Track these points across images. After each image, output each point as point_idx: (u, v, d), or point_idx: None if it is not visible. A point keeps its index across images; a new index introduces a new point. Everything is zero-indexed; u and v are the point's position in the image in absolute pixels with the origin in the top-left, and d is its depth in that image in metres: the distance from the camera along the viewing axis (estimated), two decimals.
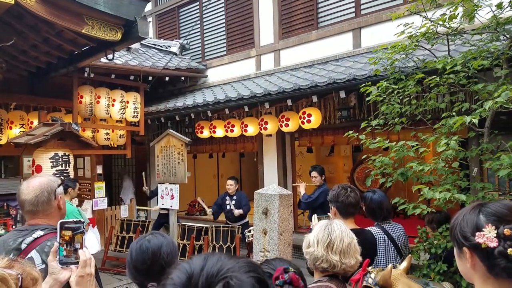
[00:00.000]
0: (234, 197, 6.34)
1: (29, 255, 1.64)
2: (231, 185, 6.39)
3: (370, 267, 1.96)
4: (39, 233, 1.69)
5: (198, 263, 0.73)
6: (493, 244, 0.99)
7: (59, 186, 1.83)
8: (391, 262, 2.68)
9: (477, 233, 1.02)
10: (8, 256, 1.58)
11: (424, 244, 3.39)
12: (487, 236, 1.00)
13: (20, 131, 6.52)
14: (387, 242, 2.79)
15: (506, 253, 0.97)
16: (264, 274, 0.77)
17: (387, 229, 2.85)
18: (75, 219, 1.45)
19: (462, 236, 1.07)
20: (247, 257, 0.78)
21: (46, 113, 6.31)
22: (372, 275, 1.85)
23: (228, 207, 6.35)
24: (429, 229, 3.52)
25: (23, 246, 1.66)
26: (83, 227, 1.45)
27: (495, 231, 0.99)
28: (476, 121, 2.68)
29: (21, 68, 6.18)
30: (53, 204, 1.80)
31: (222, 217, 6.83)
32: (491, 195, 3.08)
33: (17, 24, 4.59)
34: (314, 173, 5.58)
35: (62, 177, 5.29)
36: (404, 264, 2.03)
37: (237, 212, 6.19)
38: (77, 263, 1.39)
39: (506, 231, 0.98)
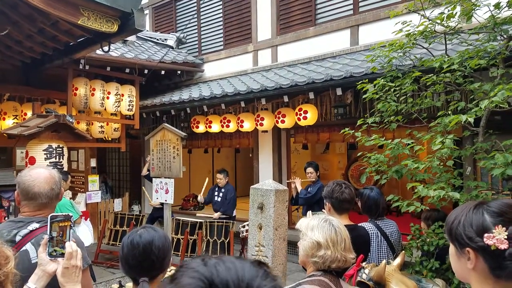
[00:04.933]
0: (223, 190, 6.40)
1: (24, 248, 1.63)
2: (220, 179, 6.45)
3: (364, 263, 1.97)
4: (34, 225, 1.68)
5: (223, 275, 0.61)
6: (504, 246, 0.96)
7: (67, 179, 1.87)
8: (383, 258, 2.69)
9: (485, 235, 0.99)
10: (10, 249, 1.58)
11: (417, 241, 3.41)
12: (498, 238, 0.97)
13: (14, 122, 6.46)
14: (380, 238, 2.81)
15: None
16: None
17: (380, 225, 2.87)
18: (64, 213, 1.50)
19: (467, 237, 1.04)
20: (257, 261, 0.67)
21: (40, 105, 6.25)
22: (366, 271, 1.86)
23: (215, 198, 6.44)
24: (424, 225, 3.55)
25: (18, 238, 1.64)
26: (72, 221, 1.49)
27: (506, 233, 0.97)
28: (471, 120, 2.70)
29: (15, 59, 6.12)
30: (59, 197, 1.82)
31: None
32: (485, 194, 3.10)
33: (12, 14, 4.53)
34: (309, 169, 5.62)
35: (65, 170, 5.28)
36: (398, 260, 2.04)
37: (216, 215, 6.29)
38: (64, 255, 1.43)
39: None
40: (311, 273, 1.68)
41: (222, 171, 6.59)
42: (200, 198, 6.59)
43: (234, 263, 0.64)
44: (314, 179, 5.58)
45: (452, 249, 1.13)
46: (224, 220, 6.10)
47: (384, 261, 1.89)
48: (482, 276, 1.03)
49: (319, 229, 1.66)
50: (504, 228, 0.98)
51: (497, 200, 1.07)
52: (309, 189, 5.55)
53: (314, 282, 1.60)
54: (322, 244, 1.62)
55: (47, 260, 1.42)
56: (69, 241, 1.45)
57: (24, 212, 1.75)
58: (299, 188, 5.56)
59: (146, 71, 7.76)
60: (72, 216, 1.51)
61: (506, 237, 0.97)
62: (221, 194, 6.40)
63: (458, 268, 1.12)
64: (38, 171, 1.79)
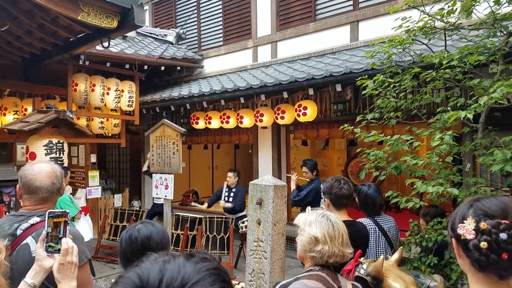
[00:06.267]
0: (233, 190, 6.38)
1: (24, 241, 1.64)
2: (229, 177, 6.45)
3: (362, 258, 1.98)
4: (35, 219, 1.69)
5: (153, 276, 0.62)
6: (470, 236, 1.02)
7: (66, 175, 1.87)
8: (381, 254, 2.71)
9: (459, 225, 1.06)
10: (3, 241, 1.59)
11: (416, 237, 3.43)
12: (466, 228, 1.03)
13: (14, 118, 6.46)
14: (378, 233, 2.82)
15: (479, 246, 1.00)
16: (229, 279, 0.69)
17: (378, 221, 2.88)
18: (61, 210, 1.51)
19: (451, 227, 1.12)
20: (206, 258, 0.67)
21: (40, 100, 6.24)
22: (364, 266, 1.87)
23: (226, 198, 6.41)
24: (423, 221, 3.56)
25: (19, 232, 1.65)
26: (69, 218, 1.50)
27: (474, 224, 1.03)
28: (470, 116, 2.70)
29: (15, 54, 6.11)
30: (60, 192, 1.83)
31: (217, 208, 6.87)
32: (484, 190, 3.11)
33: (12, 9, 4.53)
34: (304, 169, 5.48)
35: (65, 165, 5.28)
36: (396, 255, 2.05)
37: (227, 205, 6.27)
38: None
39: (483, 225, 1.01)
40: (309, 268, 1.70)
41: (234, 170, 6.61)
42: (205, 206, 6.58)
43: (178, 264, 0.64)
44: (309, 179, 5.44)
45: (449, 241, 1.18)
46: (224, 216, 6.11)
47: (382, 256, 1.90)
48: (472, 267, 1.06)
49: (317, 224, 1.67)
50: (474, 220, 1.03)
51: (494, 197, 1.10)
52: (309, 186, 5.46)
53: (312, 277, 1.61)
54: (319, 239, 1.63)
55: (44, 255, 1.43)
56: (65, 237, 1.45)
57: (25, 206, 1.77)
58: (292, 187, 5.43)
59: (146, 67, 7.75)
60: (69, 212, 1.51)
61: (474, 228, 1.02)
62: (231, 194, 6.38)
63: (458, 260, 1.16)
64: (40, 165, 1.80)
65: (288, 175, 6.04)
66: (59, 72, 6.71)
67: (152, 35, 8.96)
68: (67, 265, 1.41)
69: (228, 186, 6.48)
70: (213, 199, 6.69)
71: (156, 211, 6.95)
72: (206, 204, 6.58)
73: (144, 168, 7.02)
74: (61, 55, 5.94)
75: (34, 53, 6.11)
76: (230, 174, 6.50)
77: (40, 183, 1.73)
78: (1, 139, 6.58)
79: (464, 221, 1.05)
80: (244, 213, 6.42)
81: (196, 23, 8.84)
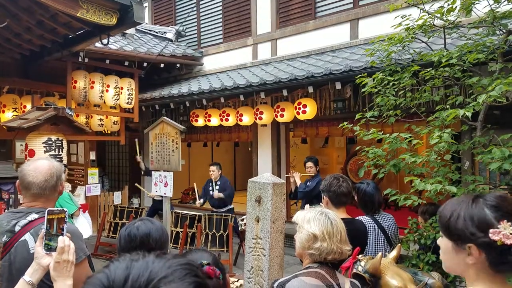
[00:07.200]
0: (218, 183, 6.37)
1: (22, 238, 1.65)
2: (213, 171, 6.40)
3: (360, 255, 1.99)
4: (33, 216, 1.69)
5: (119, 274, 0.61)
6: (510, 241, 0.96)
7: (64, 172, 1.85)
8: (380, 251, 2.71)
9: (491, 230, 0.99)
10: (1, 238, 1.59)
11: (414, 235, 3.44)
12: (504, 233, 0.97)
13: (13, 115, 6.46)
14: (377, 231, 2.83)
15: None
16: (203, 274, 0.66)
17: (377, 219, 2.89)
18: (59, 208, 1.51)
19: (470, 233, 1.03)
20: (178, 255, 0.66)
21: (39, 97, 6.25)
22: (362, 263, 1.88)
23: (211, 192, 6.39)
24: (421, 219, 3.57)
25: (17, 228, 1.66)
26: (66, 216, 1.50)
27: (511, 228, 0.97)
28: (469, 114, 2.70)
29: (14, 51, 6.10)
30: (57, 190, 1.82)
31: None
32: (482, 188, 3.12)
33: (11, 6, 4.52)
34: (309, 164, 5.61)
35: (65, 163, 5.28)
36: (394, 253, 2.06)
37: (216, 194, 6.22)
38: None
39: None
40: (307, 265, 1.70)
41: (215, 163, 6.58)
42: (198, 203, 6.56)
43: (146, 261, 0.63)
44: (313, 174, 5.57)
45: (447, 244, 1.11)
46: (223, 214, 6.12)
47: (379, 254, 1.90)
48: (481, 270, 1.04)
49: (315, 221, 1.67)
50: (510, 223, 0.98)
51: (492, 194, 1.07)
52: (308, 183, 5.54)
53: (310, 274, 1.62)
54: (318, 236, 1.63)
55: (42, 253, 1.43)
56: (62, 236, 1.45)
57: (24, 202, 1.78)
58: (298, 182, 5.54)
59: (145, 64, 7.75)
60: (67, 211, 1.51)
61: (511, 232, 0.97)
62: (216, 187, 6.38)
63: (453, 263, 1.11)
64: (40, 162, 1.80)
65: (287, 175, 6.06)
66: (58, 69, 6.71)
67: (151, 32, 8.94)
68: (63, 263, 1.41)
69: (211, 180, 6.43)
70: (205, 198, 6.63)
71: (157, 209, 6.95)
72: (201, 200, 6.54)
73: (142, 167, 7.06)
74: (60, 52, 5.94)
75: (33, 50, 6.10)
76: (212, 168, 6.42)
77: (33, 178, 1.73)
78: (0, 136, 6.57)
79: (499, 226, 0.98)
80: (232, 206, 6.42)
81: (195, 20, 8.82)
